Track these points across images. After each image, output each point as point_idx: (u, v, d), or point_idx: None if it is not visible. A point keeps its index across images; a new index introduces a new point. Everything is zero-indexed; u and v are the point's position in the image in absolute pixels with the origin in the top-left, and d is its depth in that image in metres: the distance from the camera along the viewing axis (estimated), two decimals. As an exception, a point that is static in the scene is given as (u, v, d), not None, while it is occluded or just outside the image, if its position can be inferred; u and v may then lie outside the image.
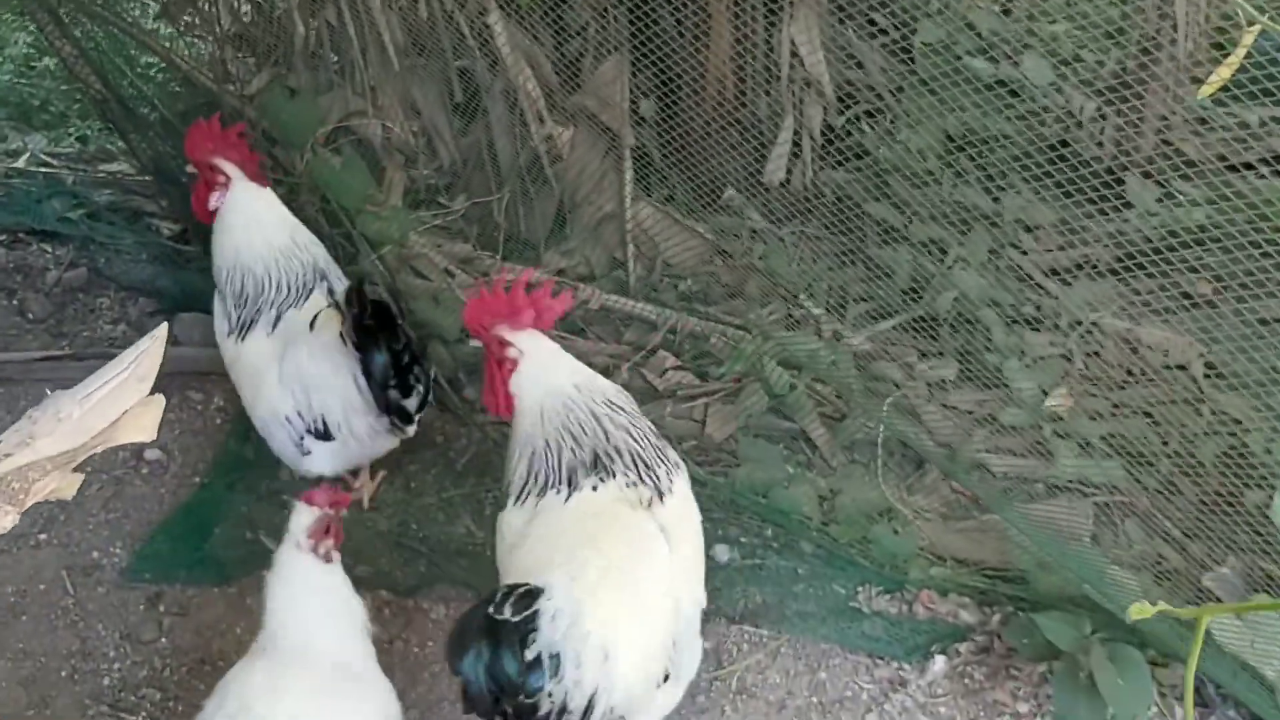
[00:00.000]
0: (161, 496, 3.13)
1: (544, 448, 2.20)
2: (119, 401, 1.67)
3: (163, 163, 3.36)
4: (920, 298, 3.40)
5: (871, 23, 3.83)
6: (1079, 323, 3.31)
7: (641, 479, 2.19)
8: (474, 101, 3.75)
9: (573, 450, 2.18)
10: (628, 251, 3.80)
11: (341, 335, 2.61)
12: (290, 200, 3.36)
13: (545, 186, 3.79)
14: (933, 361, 3.32)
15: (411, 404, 2.70)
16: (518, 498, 2.20)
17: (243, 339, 2.77)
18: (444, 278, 3.39)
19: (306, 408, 2.71)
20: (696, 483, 2.98)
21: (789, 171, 3.82)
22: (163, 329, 1.75)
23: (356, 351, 2.59)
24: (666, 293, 3.73)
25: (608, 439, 2.20)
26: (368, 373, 2.61)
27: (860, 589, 2.81)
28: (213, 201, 2.76)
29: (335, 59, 3.41)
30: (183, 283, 3.87)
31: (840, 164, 3.76)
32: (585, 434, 2.19)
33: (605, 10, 3.65)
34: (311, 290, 2.80)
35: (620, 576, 1.99)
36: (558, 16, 3.74)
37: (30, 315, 3.89)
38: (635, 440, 2.22)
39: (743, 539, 2.90)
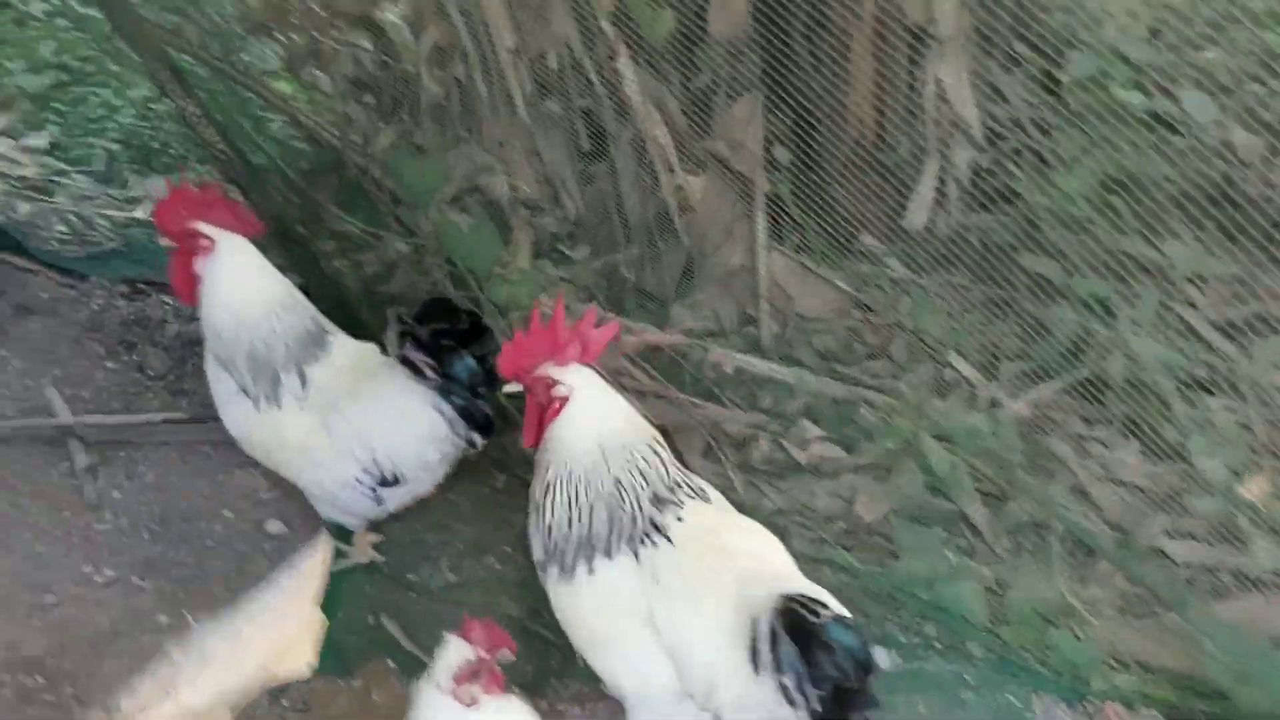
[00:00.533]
0: (284, 575, 3.01)
1: (616, 492, 2.07)
2: (275, 631, 1.45)
3: (285, 223, 3.26)
4: (1083, 357, 3.12)
5: (1014, 54, 3.59)
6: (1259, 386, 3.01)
7: (700, 492, 2.18)
8: (600, 150, 3.59)
9: (641, 488, 2.08)
10: (760, 306, 3.59)
11: (406, 360, 2.53)
12: (415, 262, 3.24)
13: (673, 238, 3.61)
14: (1101, 432, 3.04)
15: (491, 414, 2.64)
16: (606, 553, 2.07)
17: (276, 408, 2.62)
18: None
19: (372, 462, 2.62)
20: (846, 572, 2.77)
21: (932, 216, 3.58)
22: (324, 542, 1.53)
23: (432, 369, 2.51)
24: (802, 350, 3.51)
25: (668, 472, 2.13)
26: (449, 388, 2.55)
27: (1036, 698, 2.56)
28: (198, 268, 2.57)
29: (462, 114, 3.27)
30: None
31: (988, 208, 3.51)
32: (650, 469, 2.09)
33: (738, 47, 3.46)
34: (326, 341, 2.67)
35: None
36: (688, 56, 3.56)
37: (150, 372, 3.83)
38: (678, 466, 2.19)
39: (902, 639, 2.66)
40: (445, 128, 3.31)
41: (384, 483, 2.65)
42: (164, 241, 2.58)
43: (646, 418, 2.25)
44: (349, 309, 3.45)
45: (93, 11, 5.60)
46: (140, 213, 4.33)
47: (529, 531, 2.23)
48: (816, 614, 1.87)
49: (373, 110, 3.28)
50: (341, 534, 2.86)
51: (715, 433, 3.18)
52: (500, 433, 2.74)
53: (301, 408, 2.61)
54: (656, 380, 3.25)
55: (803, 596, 1.91)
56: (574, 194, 3.67)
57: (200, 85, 3.05)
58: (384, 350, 2.69)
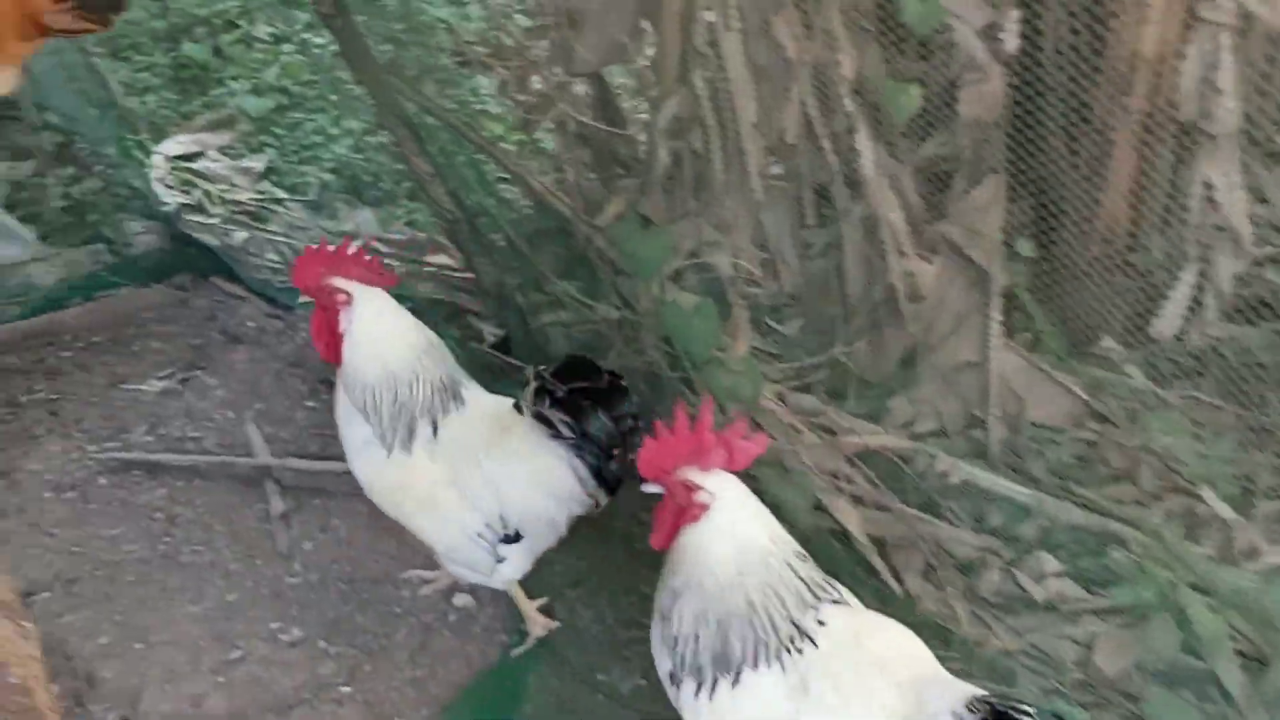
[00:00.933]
0: (469, 655, 2.90)
1: (749, 610, 1.95)
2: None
3: (505, 290, 3.16)
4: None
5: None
6: None
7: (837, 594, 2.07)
8: (826, 224, 3.39)
9: (777, 606, 1.96)
10: (989, 408, 3.31)
11: (541, 416, 2.52)
12: (630, 339, 3.09)
13: (897, 324, 3.37)
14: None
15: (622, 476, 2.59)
16: (750, 665, 1.94)
17: (406, 455, 2.60)
18: (790, 435, 3.01)
19: (497, 517, 2.60)
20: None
21: (1184, 325, 3.25)
22: None
23: (568, 427, 2.51)
24: (1034, 462, 3.21)
25: (808, 587, 2.00)
26: (582, 446, 2.54)
27: None
28: (342, 324, 2.59)
29: (694, 186, 3.11)
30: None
31: (1250, 320, 3.17)
32: (787, 588, 1.97)
33: (986, 130, 3.20)
34: (460, 393, 2.66)
35: None
36: (929, 133, 3.33)
37: (348, 414, 3.79)
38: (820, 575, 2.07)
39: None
40: (674, 199, 3.15)
41: (505, 539, 2.63)
42: (302, 299, 2.65)
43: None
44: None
45: (317, 39, 5.73)
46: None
47: (652, 638, 2.11)
48: (1026, 712, 1.77)
49: (601, 178, 3.15)
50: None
51: (939, 553, 2.92)
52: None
53: (432, 458, 2.61)
54: (876, 486, 3.02)
55: (994, 698, 1.80)
56: (793, 266, 3.48)
57: (432, 140, 2.97)
58: (519, 406, 2.63)
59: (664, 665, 2.07)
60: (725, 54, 2.96)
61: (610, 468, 2.56)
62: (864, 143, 3.20)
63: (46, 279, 4.54)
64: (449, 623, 2.99)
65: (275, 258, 4.34)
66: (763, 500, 2.94)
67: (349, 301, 2.58)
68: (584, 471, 2.57)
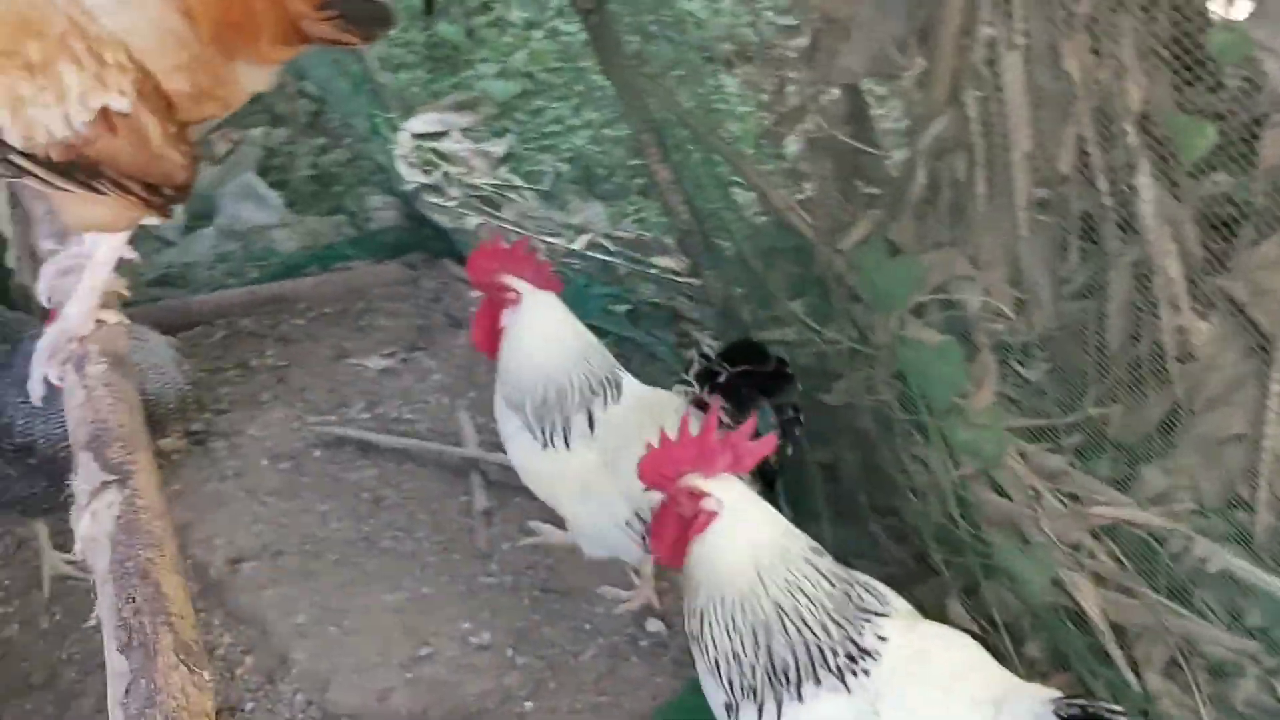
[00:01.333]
0: (657, 685, 2.76)
1: (778, 616, 1.82)
2: None
3: (729, 302, 3.00)
4: None
5: None
6: None
7: (880, 596, 1.94)
8: (1089, 266, 3.06)
9: (809, 608, 1.84)
10: (1259, 489, 2.91)
11: (700, 404, 2.45)
12: (860, 371, 2.87)
13: (1160, 384, 3.01)
14: None
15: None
16: (809, 682, 1.80)
17: (564, 448, 2.61)
18: (1029, 498, 2.72)
19: (646, 506, 2.45)
20: None
21: None
22: None
23: (733, 414, 2.37)
24: (1311, 559, 2.81)
25: (834, 585, 1.88)
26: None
27: None
28: (504, 320, 2.63)
29: (950, 214, 2.86)
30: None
31: None
32: (814, 587, 1.85)
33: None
34: (617, 385, 2.66)
35: None
36: (1218, 176, 2.96)
37: (558, 413, 3.72)
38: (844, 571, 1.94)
39: None
40: (927, 226, 2.90)
41: None
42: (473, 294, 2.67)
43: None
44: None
45: (566, 26, 5.73)
46: (577, 245, 4.25)
47: (699, 671, 1.95)
48: (1114, 714, 1.73)
49: (848, 197, 2.94)
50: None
51: (1187, 650, 2.59)
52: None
53: (587, 447, 2.62)
54: (1122, 566, 2.70)
55: (1077, 697, 1.77)
56: (1047, 307, 3.17)
57: (673, 141, 2.84)
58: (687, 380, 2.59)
59: (717, 698, 1.92)
60: (1004, 74, 2.69)
61: (767, 463, 2.41)
62: (1144, 181, 2.86)
63: (288, 245, 4.69)
64: (639, 648, 2.87)
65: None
66: (993, 570, 2.72)
67: (517, 300, 2.60)
68: None
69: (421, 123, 5.29)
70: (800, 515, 3.32)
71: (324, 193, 4.96)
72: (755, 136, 2.93)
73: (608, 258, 4.17)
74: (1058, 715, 1.73)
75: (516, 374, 2.64)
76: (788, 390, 2.49)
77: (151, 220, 1.67)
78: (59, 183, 1.49)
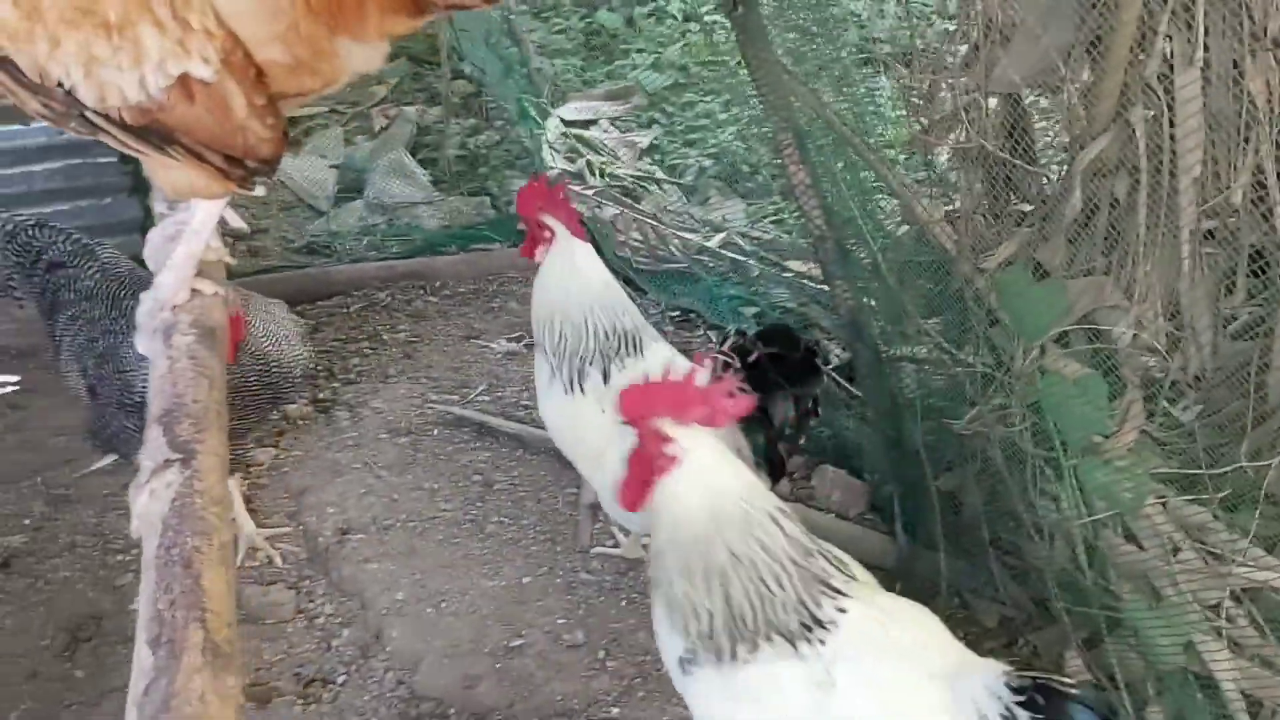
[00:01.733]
0: None
1: (733, 564, 1.81)
2: None
3: (861, 317, 2.87)
4: None
5: None
6: None
7: (842, 565, 1.94)
8: (1256, 304, 2.81)
9: (765, 562, 1.83)
10: None
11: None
12: (993, 398, 2.71)
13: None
14: None
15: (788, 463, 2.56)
16: (760, 640, 1.79)
17: (580, 394, 2.62)
18: (1166, 551, 2.52)
19: None
20: None
21: None
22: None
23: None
24: None
25: (792, 544, 1.85)
26: (760, 425, 2.44)
27: None
28: (539, 255, 2.71)
29: (1106, 239, 2.66)
30: (836, 428, 3.39)
31: None
32: (773, 541, 1.84)
33: None
34: (641, 347, 2.65)
35: None
36: None
37: (677, 412, 3.65)
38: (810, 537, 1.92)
39: None
40: (1080, 251, 2.71)
41: None
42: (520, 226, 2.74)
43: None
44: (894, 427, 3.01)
45: (724, 21, 5.63)
46: (712, 243, 4.17)
47: (656, 621, 1.94)
48: (1065, 687, 1.74)
49: (996, 213, 2.77)
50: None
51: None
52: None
53: (600, 403, 2.59)
54: (1263, 635, 2.47)
55: (1029, 674, 1.76)
56: (1205, 345, 2.93)
57: (815, 145, 2.72)
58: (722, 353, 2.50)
59: (674, 649, 1.88)
60: (1178, 92, 2.49)
61: (777, 450, 2.49)
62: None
63: (431, 223, 4.75)
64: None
65: (638, 237, 4.27)
66: (1119, 625, 2.53)
67: (552, 239, 2.68)
68: (746, 449, 2.45)
69: (573, 109, 5.29)
70: (917, 542, 3.17)
71: (470, 173, 5.00)
72: (904, 144, 2.78)
73: (741, 257, 4.07)
74: (1008, 687, 1.74)
75: (537, 308, 2.71)
76: (813, 381, 2.51)
77: (234, 192, 1.62)
78: (134, 144, 1.45)
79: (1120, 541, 2.63)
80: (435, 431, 3.51)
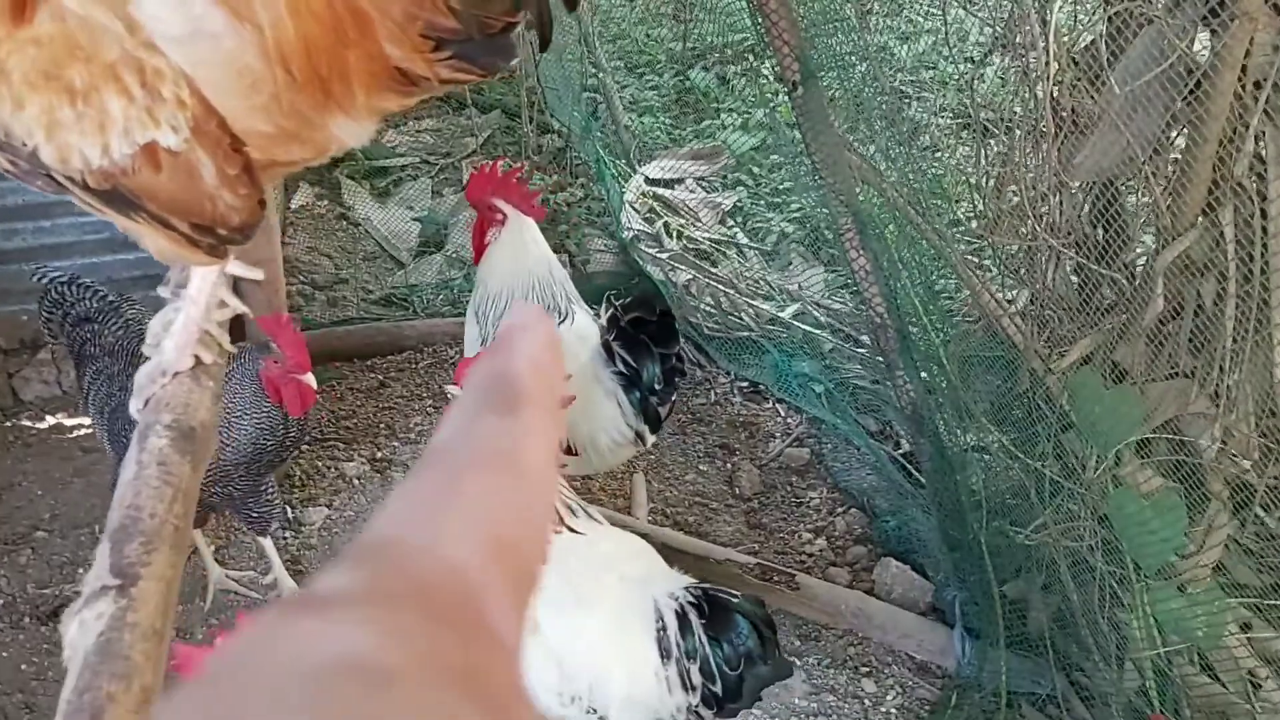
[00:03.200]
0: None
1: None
2: None
3: (924, 411, 2.73)
4: None
5: None
6: None
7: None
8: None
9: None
10: None
11: (606, 345, 2.78)
12: (1061, 507, 2.54)
13: None
14: None
15: (664, 412, 2.83)
16: None
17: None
18: (1246, 686, 2.31)
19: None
20: None
21: None
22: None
23: (626, 359, 2.75)
24: None
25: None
26: (635, 383, 2.75)
27: None
28: (489, 237, 2.97)
29: (1191, 342, 2.48)
30: (902, 519, 3.23)
31: None
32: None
33: None
34: (566, 315, 2.90)
35: None
36: None
37: (737, 489, 3.54)
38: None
39: None
40: (1161, 353, 2.53)
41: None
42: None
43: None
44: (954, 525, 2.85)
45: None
46: (785, 314, 4.05)
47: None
48: (730, 596, 2.20)
49: (1070, 309, 2.60)
50: None
51: None
52: None
53: None
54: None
55: (705, 585, 2.22)
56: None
57: (876, 228, 2.60)
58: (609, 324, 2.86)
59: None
60: (1271, 189, 2.31)
61: (651, 405, 2.77)
62: None
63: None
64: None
65: (710, 303, 4.18)
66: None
67: (503, 221, 2.92)
68: (626, 404, 2.77)
69: (658, 168, 5.23)
70: (979, 642, 2.99)
71: (549, 230, 4.94)
72: (974, 229, 2.64)
73: (814, 330, 3.94)
74: (688, 592, 2.19)
75: (485, 282, 2.96)
76: (671, 341, 2.77)
77: (202, 261, 1.56)
78: (98, 206, 1.42)
79: (1195, 672, 2.43)
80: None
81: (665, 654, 2.15)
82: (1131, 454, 2.52)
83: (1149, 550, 2.32)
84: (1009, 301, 2.63)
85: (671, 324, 2.77)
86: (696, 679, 2.14)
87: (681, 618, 2.15)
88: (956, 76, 4.55)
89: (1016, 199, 2.66)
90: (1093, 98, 2.42)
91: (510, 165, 3.08)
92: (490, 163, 2.98)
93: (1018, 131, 2.59)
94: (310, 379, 2.67)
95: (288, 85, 1.43)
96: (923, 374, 2.71)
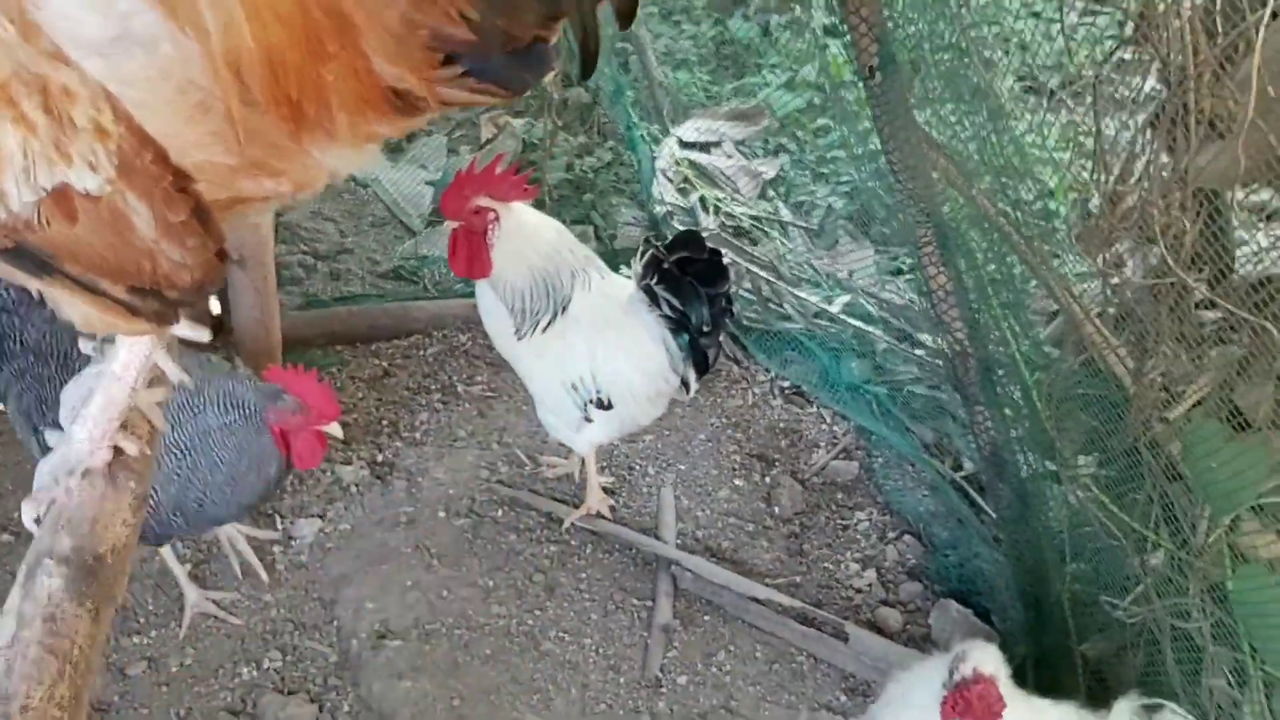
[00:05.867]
0: None
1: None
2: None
3: (1001, 453, 2.35)
4: None
5: None
6: None
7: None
8: None
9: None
10: None
11: (648, 290, 2.71)
12: (1169, 579, 2.17)
13: None
14: None
15: (711, 355, 2.77)
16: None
17: (531, 335, 2.80)
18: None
19: (590, 375, 2.77)
20: None
21: None
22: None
23: (671, 302, 2.69)
24: None
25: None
26: (683, 325, 2.69)
27: None
28: (491, 238, 2.75)
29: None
30: (964, 555, 2.87)
31: None
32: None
33: None
34: (588, 277, 2.81)
35: None
36: None
37: (776, 509, 3.17)
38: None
39: None
40: (1293, 402, 2.14)
41: (598, 404, 2.79)
42: (447, 224, 2.77)
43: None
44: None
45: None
46: (833, 307, 3.66)
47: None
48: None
49: (1187, 341, 2.20)
50: None
51: None
52: None
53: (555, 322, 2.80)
54: None
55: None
56: None
57: (961, 243, 2.20)
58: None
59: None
60: None
61: (700, 345, 2.71)
62: None
63: (526, 253, 4.33)
64: None
65: (748, 288, 3.79)
66: None
67: (497, 219, 2.72)
68: (674, 349, 2.71)
69: (693, 129, 4.80)
70: (1049, 693, 2.64)
71: (574, 198, 4.56)
72: (1076, 246, 2.23)
73: (865, 327, 3.55)
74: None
75: (511, 280, 2.76)
76: (720, 281, 2.68)
77: (145, 332, 1.21)
78: (5, 267, 1.07)
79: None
80: (499, 513, 3.11)
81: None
82: (1254, 520, 2.13)
83: (1273, 636, 1.95)
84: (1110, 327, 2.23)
85: (720, 262, 2.69)
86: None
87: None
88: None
89: (1131, 201, 2.25)
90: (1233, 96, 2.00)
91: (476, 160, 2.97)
92: (459, 171, 2.77)
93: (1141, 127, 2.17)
94: (336, 429, 2.40)
95: (246, 106, 1.06)
96: (1007, 410, 2.32)
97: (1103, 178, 2.18)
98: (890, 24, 2.05)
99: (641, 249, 2.78)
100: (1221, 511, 2.06)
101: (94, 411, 1.27)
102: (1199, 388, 2.15)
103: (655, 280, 2.70)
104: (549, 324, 2.76)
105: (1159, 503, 2.17)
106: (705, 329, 2.68)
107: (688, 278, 2.65)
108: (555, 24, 1.08)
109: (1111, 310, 2.21)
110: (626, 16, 1.13)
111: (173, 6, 0.99)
